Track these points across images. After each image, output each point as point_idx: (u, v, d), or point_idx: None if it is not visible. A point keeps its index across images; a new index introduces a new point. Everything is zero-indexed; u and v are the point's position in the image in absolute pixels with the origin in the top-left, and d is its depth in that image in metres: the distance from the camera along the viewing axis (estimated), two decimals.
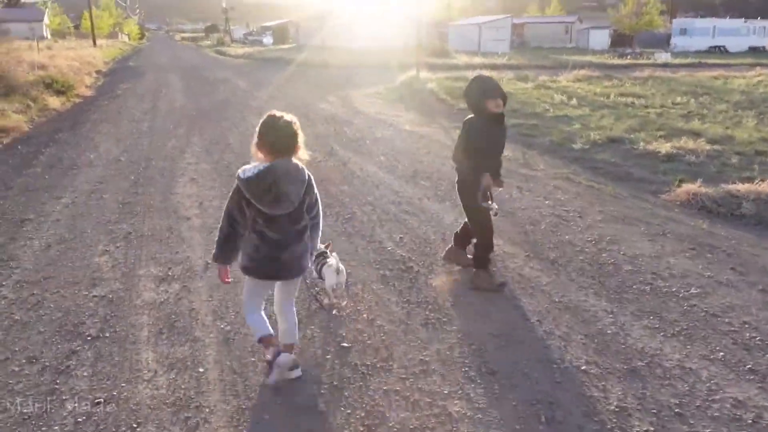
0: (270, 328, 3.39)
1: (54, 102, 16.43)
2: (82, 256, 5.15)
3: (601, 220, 6.39)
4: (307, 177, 3.17)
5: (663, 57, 40.39)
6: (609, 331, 3.98)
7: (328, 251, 4.25)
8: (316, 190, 3.30)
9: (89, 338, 3.79)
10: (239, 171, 3.06)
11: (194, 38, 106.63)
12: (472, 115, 4.52)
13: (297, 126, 3.12)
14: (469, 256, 4.97)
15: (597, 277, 4.87)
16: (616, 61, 36.92)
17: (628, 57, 41.43)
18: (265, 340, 3.35)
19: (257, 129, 3.10)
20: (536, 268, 5.03)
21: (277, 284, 3.43)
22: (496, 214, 4.64)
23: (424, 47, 44.01)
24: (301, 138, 3.12)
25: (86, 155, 9.28)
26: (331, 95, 18.44)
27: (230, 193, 3.14)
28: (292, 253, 3.22)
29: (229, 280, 3.32)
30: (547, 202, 7.05)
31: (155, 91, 19.12)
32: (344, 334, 3.91)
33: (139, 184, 7.58)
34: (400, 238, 5.67)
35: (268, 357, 3.34)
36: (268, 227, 3.12)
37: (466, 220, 4.89)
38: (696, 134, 10.76)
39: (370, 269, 4.95)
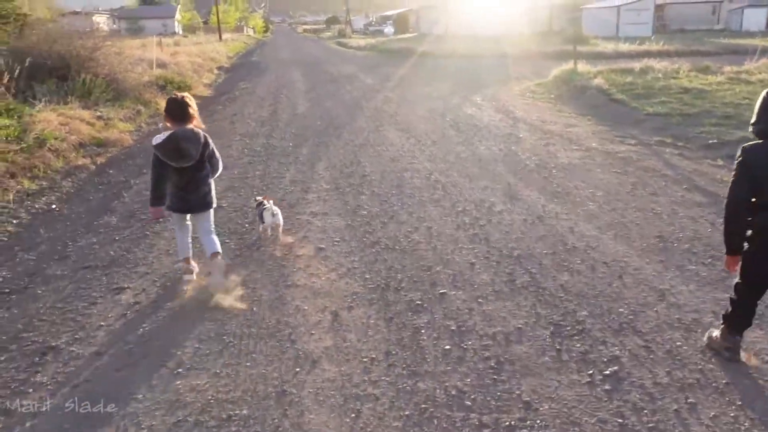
0: (189, 252, 4.59)
1: None
2: None
3: None
4: (203, 138, 4.27)
5: None
6: None
7: (265, 201, 5.34)
8: (212, 146, 4.38)
9: None
10: (153, 139, 4.15)
11: (315, 30, 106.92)
12: None
13: (189, 100, 4.27)
14: None
15: None
16: None
17: None
18: (184, 261, 4.60)
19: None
20: None
21: (192, 218, 4.56)
22: None
23: (557, 33, 40.11)
24: (193, 109, 4.27)
25: None
26: (475, 94, 15.44)
27: (152, 158, 4.20)
28: (198, 194, 4.37)
29: (162, 217, 4.86)
30: None
31: (275, 93, 16.95)
32: None
33: (239, 261, 4.99)
34: None
35: (189, 268, 4.59)
36: (180, 176, 4.26)
37: None
38: None
39: None
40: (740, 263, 3.27)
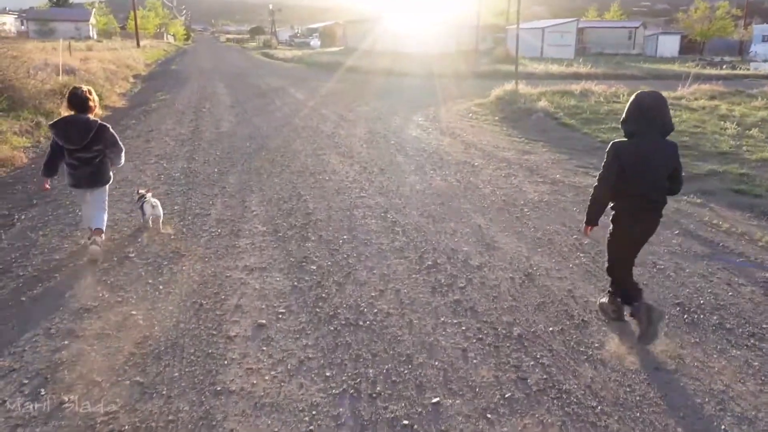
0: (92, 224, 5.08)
1: None
2: None
3: None
4: (95, 128, 4.84)
5: (764, 67, 35.78)
6: None
7: (146, 194, 5.65)
8: (110, 137, 4.96)
9: None
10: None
11: (239, 40, 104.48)
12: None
13: (88, 92, 4.91)
14: None
15: None
16: (712, 71, 32.11)
17: (724, 66, 36.63)
18: (89, 230, 5.05)
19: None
20: None
21: (87, 193, 5.09)
22: None
23: (484, 53, 40.10)
24: (93, 100, 4.94)
25: (75, 238, 5.47)
26: (416, 114, 14.50)
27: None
28: (84, 171, 4.95)
29: (48, 187, 5.23)
30: None
31: (197, 106, 15.40)
32: None
33: (149, 346, 3.66)
34: None
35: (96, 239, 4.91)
36: (70, 155, 4.88)
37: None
38: None
39: None
40: (608, 245, 3.87)
